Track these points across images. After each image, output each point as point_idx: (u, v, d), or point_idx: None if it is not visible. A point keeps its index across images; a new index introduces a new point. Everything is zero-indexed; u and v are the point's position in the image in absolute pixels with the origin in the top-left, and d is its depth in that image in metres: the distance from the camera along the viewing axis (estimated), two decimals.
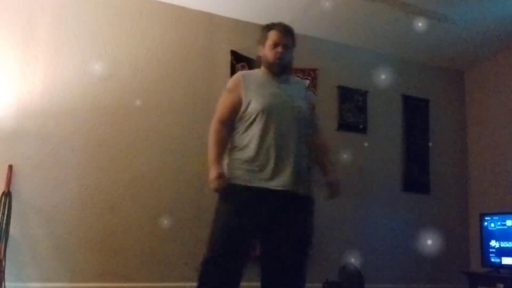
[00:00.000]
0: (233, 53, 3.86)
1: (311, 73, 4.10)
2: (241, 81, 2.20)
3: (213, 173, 2.05)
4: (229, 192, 2.05)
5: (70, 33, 3.44)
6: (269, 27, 2.27)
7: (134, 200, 3.41)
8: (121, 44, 3.57)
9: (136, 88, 3.55)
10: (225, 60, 3.85)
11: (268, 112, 2.10)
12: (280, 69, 2.23)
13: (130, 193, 3.41)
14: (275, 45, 2.21)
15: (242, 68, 3.83)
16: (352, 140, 4.20)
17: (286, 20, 3.89)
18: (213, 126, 2.17)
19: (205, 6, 3.82)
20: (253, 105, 2.12)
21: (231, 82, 2.27)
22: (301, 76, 3.99)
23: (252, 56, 3.86)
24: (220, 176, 2.04)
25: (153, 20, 3.70)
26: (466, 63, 4.71)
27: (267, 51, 2.23)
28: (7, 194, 3.03)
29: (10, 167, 3.09)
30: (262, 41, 2.27)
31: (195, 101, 3.72)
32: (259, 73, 2.28)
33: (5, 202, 3.00)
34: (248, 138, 2.12)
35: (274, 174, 2.06)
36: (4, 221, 2.96)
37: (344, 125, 4.19)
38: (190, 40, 3.79)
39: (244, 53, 3.86)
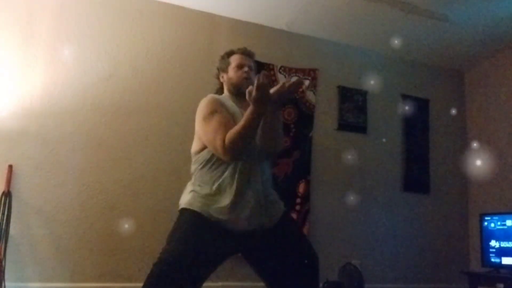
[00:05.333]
0: None
1: (311, 73, 4.10)
2: (220, 105, 2.06)
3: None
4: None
5: (70, 33, 3.44)
6: (229, 53, 2.21)
7: (134, 200, 3.40)
8: (121, 44, 3.57)
9: (136, 88, 3.55)
10: None
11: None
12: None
13: (130, 193, 3.41)
14: (241, 66, 2.14)
15: None
16: (352, 140, 4.20)
17: (286, 20, 3.98)
18: (224, 145, 1.93)
19: (205, 6, 3.81)
20: None
21: (211, 104, 2.09)
22: (301, 76, 3.99)
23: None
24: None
25: (153, 20, 3.69)
26: (466, 63, 4.71)
27: (232, 74, 2.15)
28: (7, 194, 3.03)
29: (10, 167, 3.09)
30: (224, 68, 2.19)
31: (195, 101, 3.66)
32: (228, 99, 2.14)
33: (5, 202, 3.00)
34: (210, 176, 2.02)
35: (236, 213, 1.93)
36: (4, 221, 2.96)
37: (344, 125, 4.19)
38: (190, 40, 3.79)
39: None
